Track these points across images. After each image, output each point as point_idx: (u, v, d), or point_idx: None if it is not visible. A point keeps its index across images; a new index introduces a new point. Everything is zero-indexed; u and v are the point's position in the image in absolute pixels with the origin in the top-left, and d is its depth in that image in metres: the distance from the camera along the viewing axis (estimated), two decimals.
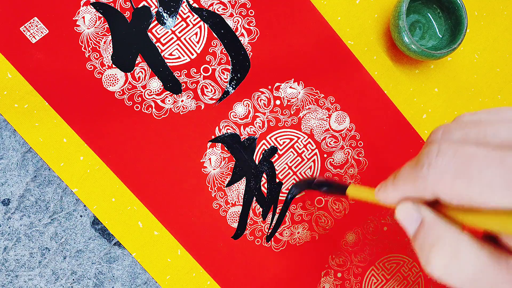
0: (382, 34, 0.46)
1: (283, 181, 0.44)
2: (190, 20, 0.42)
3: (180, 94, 0.42)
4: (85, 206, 0.42)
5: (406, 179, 0.20)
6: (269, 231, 0.43)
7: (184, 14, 0.42)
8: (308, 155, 0.44)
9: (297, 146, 0.44)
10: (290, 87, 0.44)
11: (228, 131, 0.43)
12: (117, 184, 0.41)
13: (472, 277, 0.17)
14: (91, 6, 0.41)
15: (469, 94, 0.48)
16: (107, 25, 0.41)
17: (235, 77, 0.43)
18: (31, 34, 0.40)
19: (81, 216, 0.42)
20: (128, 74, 0.41)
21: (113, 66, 0.41)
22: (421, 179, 0.19)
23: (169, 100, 0.42)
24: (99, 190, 0.41)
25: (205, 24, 0.42)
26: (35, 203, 0.41)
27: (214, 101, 0.43)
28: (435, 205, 0.20)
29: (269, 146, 0.43)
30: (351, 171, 0.45)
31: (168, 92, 0.42)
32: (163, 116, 0.42)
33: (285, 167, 0.44)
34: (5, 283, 0.41)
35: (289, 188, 0.44)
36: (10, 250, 0.41)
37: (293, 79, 0.44)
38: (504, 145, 0.16)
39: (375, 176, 0.45)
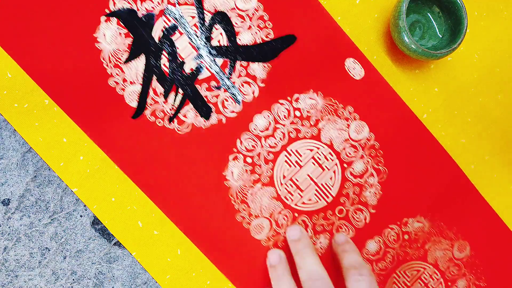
0: (382, 34, 0.46)
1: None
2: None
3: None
4: (85, 206, 0.42)
5: None
6: (172, 112, 0.42)
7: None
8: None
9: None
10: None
11: (125, 6, 0.40)
12: (117, 183, 0.41)
13: None
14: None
15: (469, 94, 0.48)
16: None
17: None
18: None
19: (81, 216, 0.42)
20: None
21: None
22: None
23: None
24: (99, 190, 0.41)
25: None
26: (35, 203, 0.41)
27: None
28: None
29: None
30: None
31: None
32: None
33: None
34: (5, 283, 0.41)
35: None
36: (10, 250, 0.41)
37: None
38: None
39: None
